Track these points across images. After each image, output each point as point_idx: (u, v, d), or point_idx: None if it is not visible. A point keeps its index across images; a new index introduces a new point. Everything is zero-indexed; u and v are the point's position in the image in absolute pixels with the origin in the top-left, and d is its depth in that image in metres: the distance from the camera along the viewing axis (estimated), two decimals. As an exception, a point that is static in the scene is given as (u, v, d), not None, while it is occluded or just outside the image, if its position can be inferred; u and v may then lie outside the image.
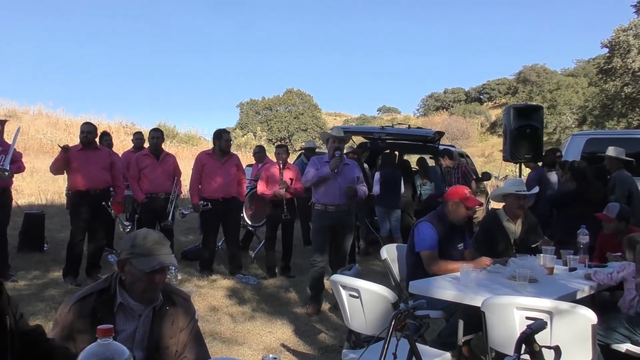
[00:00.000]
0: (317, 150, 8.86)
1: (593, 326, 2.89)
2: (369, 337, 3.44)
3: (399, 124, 11.52)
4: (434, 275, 4.16)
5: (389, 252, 4.71)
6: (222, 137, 7.12)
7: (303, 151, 10.28)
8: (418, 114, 64.52)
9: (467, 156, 12.45)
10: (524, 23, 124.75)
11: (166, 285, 2.45)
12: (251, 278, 6.95)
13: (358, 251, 8.44)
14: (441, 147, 10.00)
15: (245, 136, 37.44)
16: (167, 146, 23.62)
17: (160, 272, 2.31)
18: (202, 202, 6.96)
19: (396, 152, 11.15)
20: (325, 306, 5.87)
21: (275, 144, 37.23)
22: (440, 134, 10.11)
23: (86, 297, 2.30)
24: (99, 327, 1.59)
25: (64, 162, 6.43)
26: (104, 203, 6.43)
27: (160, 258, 2.29)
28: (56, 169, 6.56)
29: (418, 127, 11.77)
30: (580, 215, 5.38)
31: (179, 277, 6.69)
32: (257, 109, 49.54)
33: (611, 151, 6.84)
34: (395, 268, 4.68)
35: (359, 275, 3.97)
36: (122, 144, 20.24)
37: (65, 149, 6.43)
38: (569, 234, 5.11)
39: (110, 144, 7.98)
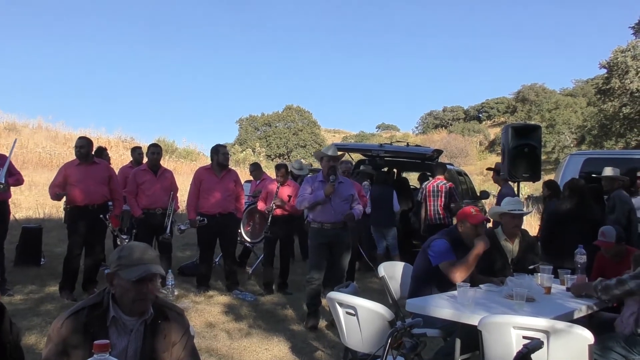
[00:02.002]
0: (301, 170, 8.70)
1: (590, 346, 2.88)
2: (366, 355, 3.43)
3: (398, 141, 11.56)
4: (440, 289, 4.18)
5: (387, 270, 4.70)
6: (219, 152, 7.13)
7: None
8: (417, 132, 64.71)
9: (466, 174, 12.48)
10: (523, 42, 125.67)
11: (158, 299, 2.44)
12: (248, 294, 6.93)
13: (358, 268, 8.42)
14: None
15: (244, 152, 37.50)
16: (166, 161, 23.64)
17: (149, 281, 2.30)
18: (199, 217, 6.95)
19: (394, 170, 11.18)
20: (322, 323, 5.85)
21: (275, 160, 37.33)
22: (439, 152, 10.13)
23: (79, 311, 2.29)
24: (95, 342, 1.59)
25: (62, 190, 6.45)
26: (101, 216, 6.42)
27: (146, 267, 2.29)
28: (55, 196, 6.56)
29: (416, 145, 11.80)
30: (575, 233, 5.41)
31: (176, 293, 6.67)
32: (256, 125, 49.70)
33: (608, 171, 6.88)
34: (393, 286, 4.67)
35: (356, 292, 3.97)
36: (121, 159, 20.26)
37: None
38: (566, 252, 5.13)
39: (107, 159, 7.94)
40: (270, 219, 7.16)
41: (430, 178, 8.93)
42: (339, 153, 5.98)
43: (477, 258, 4.23)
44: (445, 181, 8.79)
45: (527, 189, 22.43)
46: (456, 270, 4.23)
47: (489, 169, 9.75)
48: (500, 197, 8.70)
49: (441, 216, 8.53)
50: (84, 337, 2.19)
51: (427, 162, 9.87)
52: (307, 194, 5.84)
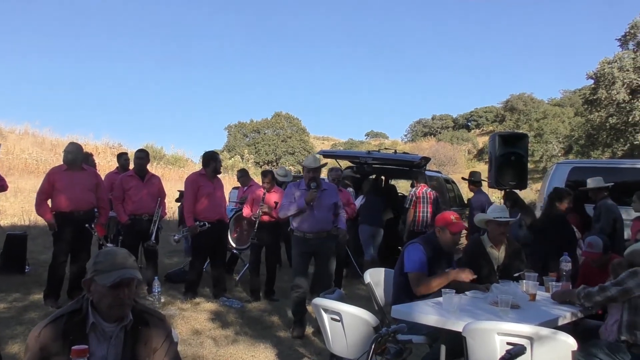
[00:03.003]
0: (285, 177, 8.66)
1: (573, 352, 2.90)
2: (351, 361, 3.42)
3: (386, 148, 11.58)
4: (419, 297, 4.17)
5: (373, 276, 4.70)
6: (217, 159, 7.10)
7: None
8: (406, 140, 64.90)
9: (454, 182, 12.54)
10: (512, 52, 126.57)
11: (138, 305, 2.42)
12: (235, 301, 6.90)
13: (346, 274, 8.41)
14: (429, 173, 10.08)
15: (232, 159, 37.45)
16: (154, 167, 23.57)
17: (125, 286, 2.28)
18: (198, 222, 6.84)
19: (382, 177, 11.19)
20: (309, 330, 5.84)
21: (263, 167, 37.29)
22: (427, 159, 10.17)
23: (57, 319, 2.26)
24: (73, 347, 1.58)
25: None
26: (87, 225, 6.37)
27: (122, 272, 2.27)
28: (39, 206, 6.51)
29: (404, 152, 11.84)
30: (559, 241, 5.48)
31: (162, 300, 6.63)
32: (245, 132, 49.62)
33: (591, 182, 7.03)
34: (379, 292, 4.67)
35: (341, 298, 3.97)
36: (108, 165, 20.16)
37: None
38: (550, 259, 5.19)
39: (93, 165, 7.90)
40: (257, 225, 7.14)
41: (420, 184, 8.88)
42: (323, 161, 5.92)
43: (444, 284, 4.14)
44: (430, 188, 8.84)
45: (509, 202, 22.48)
46: (420, 286, 4.25)
47: (463, 178, 9.83)
48: (472, 204, 8.85)
49: (428, 223, 8.51)
50: (63, 344, 2.16)
51: (415, 169, 9.90)
52: (289, 203, 5.80)
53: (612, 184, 7.22)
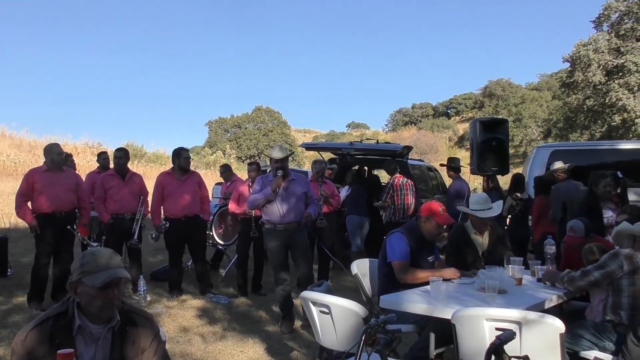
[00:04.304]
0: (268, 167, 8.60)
1: (561, 335, 2.92)
2: (341, 353, 3.42)
3: (368, 139, 11.56)
4: (404, 285, 4.17)
5: (360, 267, 4.70)
6: (181, 155, 7.03)
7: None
8: (387, 129, 65.16)
9: (436, 170, 12.58)
10: (489, 38, 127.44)
11: (125, 305, 2.39)
12: (222, 297, 6.87)
13: (332, 267, 8.42)
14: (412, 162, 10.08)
15: (214, 154, 37.23)
16: (135, 166, 23.34)
17: (114, 286, 2.25)
18: (162, 222, 6.86)
19: (365, 168, 11.20)
20: (298, 323, 5.83)
21: (246, 161, 37.19)
22: (409, 148, 10.18)
23: (43, 322, 2.23)
24: (59, 351, 1.55)
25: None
26: (68, 227, 6.29)
27: (111, 272, 2.24)
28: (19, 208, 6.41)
29: (386, 142, 11.84)
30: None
31: (148, 299, 6.58)
32: (225, 127, 49.44)
33: (555, 165, 7.35)
34: (366, 283, 4.68)
35: (329, 291, 3.96)
36: (88, 165, 19.91)
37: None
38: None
39: (73, 167, 7.79)
40: (251, 220, 7.08)
41: (396, 175, 8.80)
42: (283, 156, 5.68)
43: (428, 278, 4.00)
44: (406, 179, 8.81)
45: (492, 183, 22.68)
46: (405, 274, 4.26)
47: (442, 164, 9.85)
48: (449, 192, 8.90)
49: (408, 214, 8.50)
50: (50, 348, 2.13)
51: (398, 158, 9.91)
52: (256, 193, 5.70)
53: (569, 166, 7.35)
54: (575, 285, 3.87)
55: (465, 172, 9.75)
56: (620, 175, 6.58)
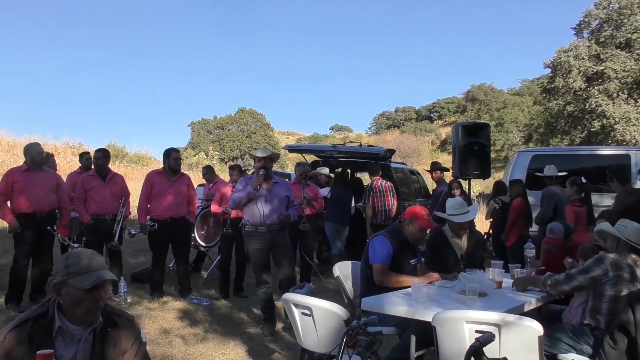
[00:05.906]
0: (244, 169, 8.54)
1: (539, 337, 2.96)
2: (322, 355, 3.43)
3: (351, 142, 11.61)
4: (386, 288, 4.19)
5: (342, 269, 4.72)
6: (171, 156, 7.01)
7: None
8: (370, 132, 65.34)
9: (418, 173, 12.65)
10: (472, 42, 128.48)
11: (107, 307, 2.38)
12: (203, 299, 6.84)
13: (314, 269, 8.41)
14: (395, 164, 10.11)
15: (197, 156, 37.00)
16: (117, 166, 23.09)
17: (101, 287, 2.25)
18: (149, 222, 6.83)
19: (348, 170, 11.22)
20: (279, 325, 5.83)
21: (228, 163, 37.05)
22: (391, 151, 10.22)
23: (22, 323, 2.21)
24: (38, 352, 1.54)
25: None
26: (48, 228, 6.22)
27: (99, 273, 2.23)
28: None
29: (369, 145, 11.87)
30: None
31: (129, 300, 6.54)
32: (208, 128, 49.21)
33: (546, 171, 7.69)
34: (348, 285, 4.69)
35: (311, 293, 3.98)
36: (69, 165, 19.67)
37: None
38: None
39: (54, 167, 7.70)
40: (227, 218, 7.07)
41: (375, 177, 8.80)
42: (265, 155, 5.71)
43: (409, 283, 4.07)
44: (385, 180, 8.82)
45: (478, 186, 22.92)
46: (386, 277, 4.28)
47: (427, 170, 9.92)
48: (435, 194, 8.98)
49: (389, 216, 8.52)
50: (29, 350, 2.11)
51: (381, 162, 9.94)
52: (238, 192, 5.69)
53: (565, 173, 7.65)
54: (559, 289, 3.86)
55: (448, 175, 9.80)
56: (584, 181, 6.83)
